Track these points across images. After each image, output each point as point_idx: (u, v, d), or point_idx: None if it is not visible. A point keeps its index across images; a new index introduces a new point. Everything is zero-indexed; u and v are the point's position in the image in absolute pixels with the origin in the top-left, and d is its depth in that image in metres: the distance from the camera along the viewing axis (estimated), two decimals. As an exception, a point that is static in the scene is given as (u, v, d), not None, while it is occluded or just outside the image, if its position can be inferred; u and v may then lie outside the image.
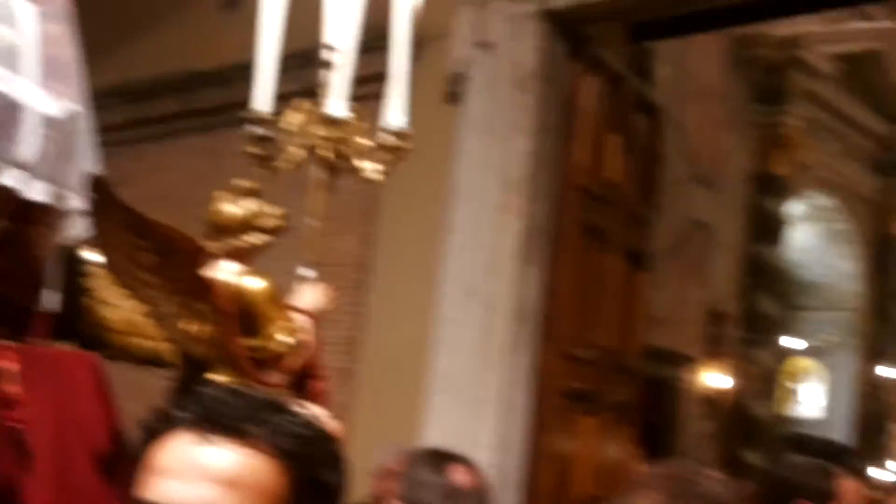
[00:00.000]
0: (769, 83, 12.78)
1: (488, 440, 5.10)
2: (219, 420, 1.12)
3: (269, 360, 2.88)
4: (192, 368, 2.78)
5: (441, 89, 5.57)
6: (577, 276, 5.57)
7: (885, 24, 14.04)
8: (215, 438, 1.11)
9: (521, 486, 5.21)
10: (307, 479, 1.13)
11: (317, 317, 3.09)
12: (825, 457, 2.65)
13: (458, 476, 2.51)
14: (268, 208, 3.00)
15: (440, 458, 2.59)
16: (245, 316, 2.85)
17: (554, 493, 5.35)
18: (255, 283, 2.89)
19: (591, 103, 5.69)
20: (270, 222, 2.99)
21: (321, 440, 1.18)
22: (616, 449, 5.91)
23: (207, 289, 2.73)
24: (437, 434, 5.14)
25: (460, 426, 5.13)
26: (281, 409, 1.16)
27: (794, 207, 13.60)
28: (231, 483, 1.09)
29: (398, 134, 3.15)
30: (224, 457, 1.11)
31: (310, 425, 1.17)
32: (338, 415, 2.74)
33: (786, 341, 13.77)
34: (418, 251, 5.59)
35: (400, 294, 5.61)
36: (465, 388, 5.21)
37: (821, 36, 12.98)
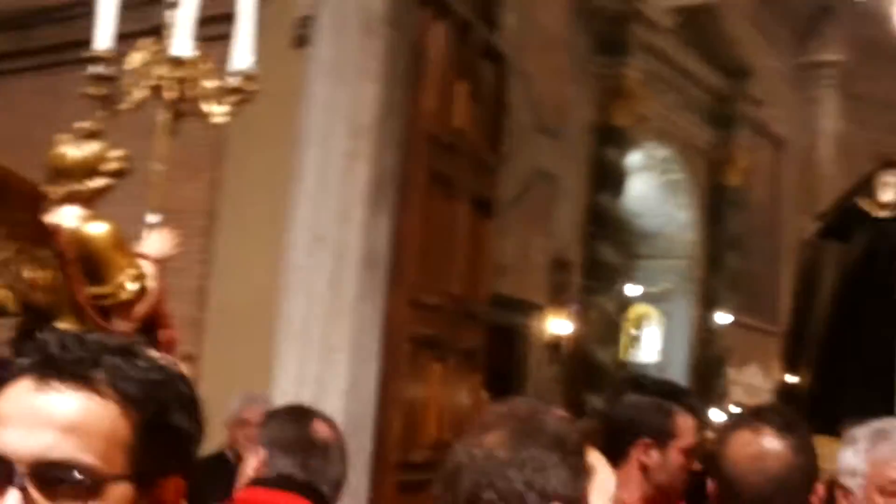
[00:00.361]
0: (611, 35, 13.03)
1: (339, 387, 5.11)
2: (59, 365, 1.09)
3: (114, 307, 2.81)
4: (33, 317, 2.69)
5: (289, 32, 5.48)
6: (425, 224, 5.59)
7: (721, -22, 14.50)
8: (55, 384, 1.08)
9: (371, 432, 5.24)
10: (155, 424, 1.11)
11: (162, 264, 3.03)
12: (662, 396, 2.73)
13: (322, 431, 2.50)
14: (111, 151, 2.92)
15: (302, 413, 2.58)
16: (88, 262, 2.77)
17: (404, 438, 5.40)
18: (98, 229, 2.81)
19: (439, 50, 5.70)
20: (113, 166, 2.90)
21: (170, 384, 1.15)
22: (464, 394, 6.00)
23: (49, 234, 2.64)
24: (287, 382, 5.12)
25: (311, 373, 5.12)
26: (126, 353, 1.13)
27: (634, 158, 13.98)
28: (71, 428, 1.07)
29: (245, 76, 3.09)
30: (64, 402, 1.08)
31: (157, 369, 1.14)
32: (187, 364, 2.70)
33: (626, 289, 14.21)
34: (266, 197, 5.51)
35: (248, 241, 5.53)
36: (316, 335, 5.19)
37: (661, -11, 13.32)
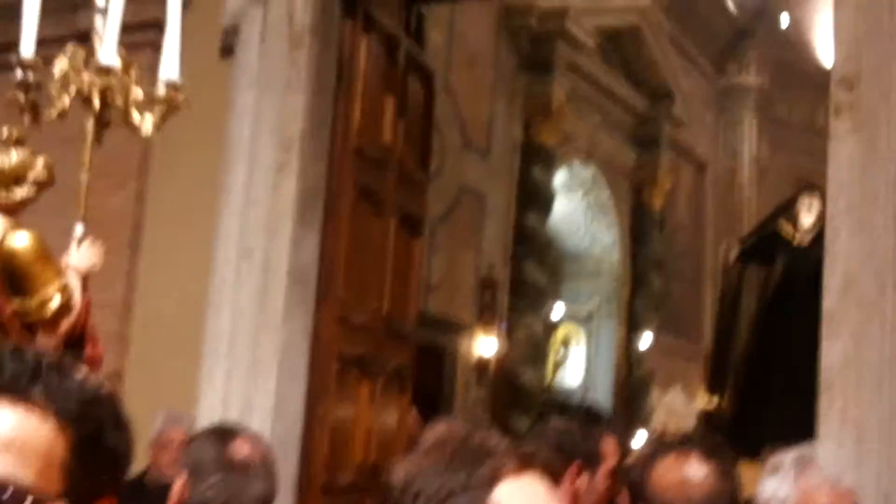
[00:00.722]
0: (536, 53, 13.11)
1: (265, 405, 5.02)
2: None
3: (39, 322, 2.72)
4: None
5: (214, 42, 5.40)
6: (353, 240, 5.53)
7: (645, 1, 14.71)
8: None
9: (297, 453, 5.15)
10: (91, 443, 1.08)
11: (87, 276, 2.94)
12: (588, 420, 2.79)
13: (243, 450, 2.45)
14: (36, 160, 2.83)
15: (223, 433, 2.52)
16: (12, 275, 2.67)
17: (330, 458, 5.31)
18: (22, 240, 2.71)
19: (367, 63, 5.66)
20: (39, 175, 2.81)
21: (103, 402, 1.12)
22: (392, 415, 5.93)
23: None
24: (213, 399, 5.02)
25: (237, 391, 5.02)
26: (60, 369, 1.09)
27: (560, 177, 14.08)
28: (7, 445, 1.03)
29: (171, 86, 3.02)
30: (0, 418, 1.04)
31: (91, 387, 1.11)
32: (111, 381, 2.62)
33: (553, 309, 14.26)
34: (193, 209, 5.41)
35: (174, 254, 5.42)
36: (242, 352, 5.09)
37: (585, 9, 13.45)
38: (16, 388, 1.05)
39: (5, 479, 1.01)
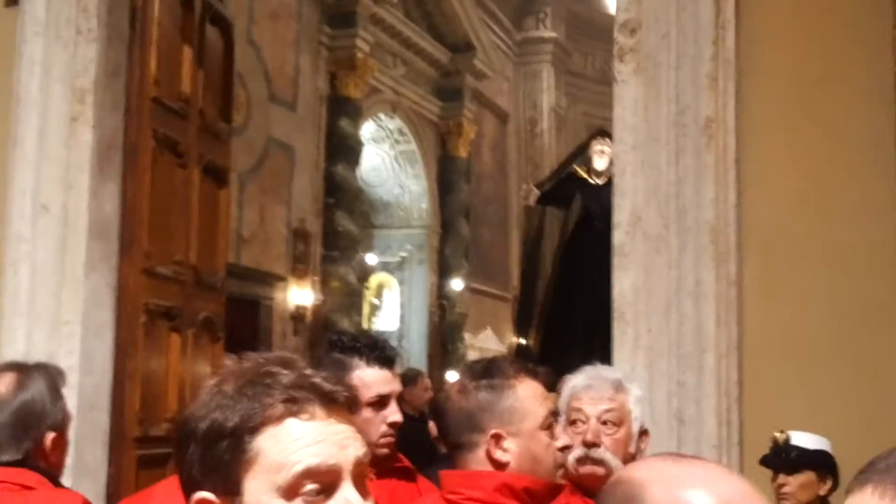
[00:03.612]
0: (338, 6, 13.10)
1: (73, 362, 4.89)
2: None
3: None
4: None
5: (-1, -11, 5.18)
6: (155, 192, 5.42)
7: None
8: None
9: (108, 407, 5.07)
10: None
11: None
12: (354, 351, 2.81)
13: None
14: None
15: None
16: None
17: (143, 411, 5.25)
18: None
19: (161, 11, 5.53)
20: None
21: None
22: (205, 365, 5.89)
23: None
24: (15, 357, 4.86)
25: (42, 348, 4.88)
26: None
27: (368, 129, 14.15)
28: None
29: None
30: None
31: None
32: None
33: (366, 258, 14.39)
34: (-18, 166, 5.19)
35: (-37, 212, 5.20)
36: (45, 308, 4.95)
37: (386, -38, 13.49)
38: None
39: None
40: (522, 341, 8.57)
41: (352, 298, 13.14)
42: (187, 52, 5.74)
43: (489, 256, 17.37)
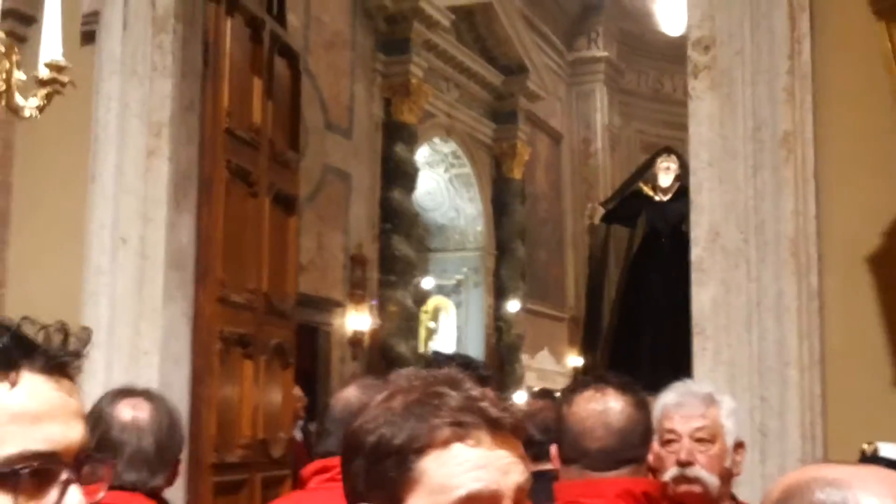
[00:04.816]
0: (392, 33, 13.24)
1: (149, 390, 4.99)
2: (63, 361, 1.15)
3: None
4: None
5: (75, 29, 5.30)
6: (229, 221, 5.52)
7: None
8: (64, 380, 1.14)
9: (186, 434, 5.13)
10: None
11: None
12: (461, 367, 2.86)
13: (124, 412, 2.49)
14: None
15: (119, 394, 2.56)
16: None
17: (219, 437, 5.32)
18: None
19: (233, 46, 5.65)
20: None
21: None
22: (277, 392, 5.96)
23: None
24: (96, 388, 4.95)
25: (122, 379, 4.96)
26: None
27: (422, 153, 14.24)
28: (78, 413, 1.14)
29: (55, 67, 3.00)
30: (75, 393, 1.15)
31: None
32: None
33: (422, 282, 14.46)
34: (62, 200, 5.31)
35: (45, 245, 5.32)
36: (124, 339, 5.05)
37: (437, -12, 13.62)
38: (74, 366, 1.15)
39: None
40: (587, 360, 8.56)
41: (409, 322, 13.19)
42: (257, 84, 5.85)
43: (545, 277, 17.35)
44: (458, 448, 1.23)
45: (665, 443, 2.62)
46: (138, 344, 5.08)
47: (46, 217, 5.37)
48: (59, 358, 1.12)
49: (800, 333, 3.73)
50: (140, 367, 5.07)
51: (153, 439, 2.48)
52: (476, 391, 1.28)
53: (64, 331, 1.15)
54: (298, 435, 7.78)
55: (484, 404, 1.25)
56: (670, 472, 2.54)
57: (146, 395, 2.64)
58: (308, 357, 10.90)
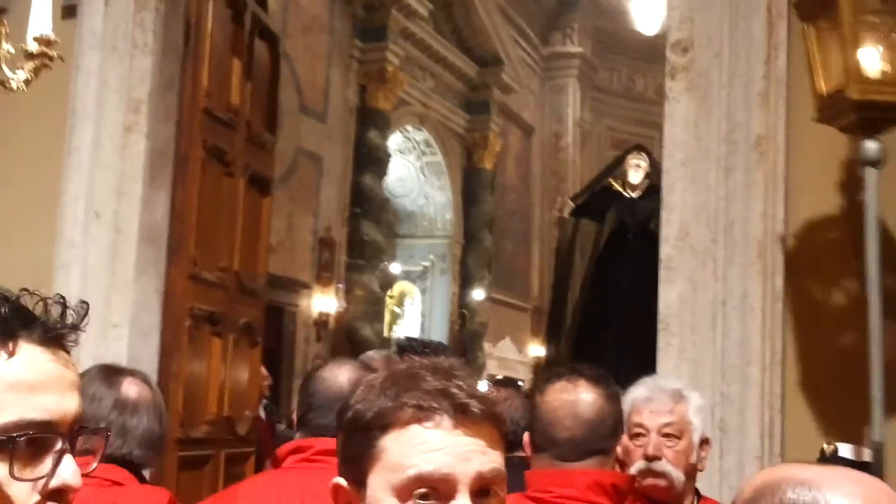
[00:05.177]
0: (370, 20, 13.26)
1: (119, 364, 5.01)
2: (61, 333, 1.17)
3: None
4: None
5: (57, 2, 5.29)
6: (203, 200, 5.54)
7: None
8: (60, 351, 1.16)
9: (154, 410, 5.16)
10: None
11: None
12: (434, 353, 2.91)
13: (130, 389, 2.53)
14: None
15: (111, 372, 2.59)
16: None
17: (185, 413, 5.36)
18: None
19: (214, 26, 5.66)
20: None
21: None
22: (244, 370, 6.00)
23: None
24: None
25: (91, 350, 4.98)
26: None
27: (395, 140, 14.28)
28: (73, 384, 1.15)
29: (45, 41, 3.02)
30: (71, 365, 1.16)
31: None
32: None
33: (389, 267, 14.51)
34: (38, 172, 5.31)
35: (19, 217, 5.32)
36: (95, 311, 5.04)
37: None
38: (70, 339, 1.17)
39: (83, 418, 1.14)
40: (550, 350, 8.63)
41: (374, 306, 13.26)
42: (237, 66, 5.87)
43: (510, 267, 17.45)
44: (416, 429, 1.26)
45: (633, 436, 2.67)
46: (108, 317, 5.10)
47: (21, 188, 5.37)
48: (57, 330, 1.14)
49: (763, 333, 3.82)
50: (109, 339, 5.09)
51: (157, 418, 2.52)
52: (459, 380, 1.30)
53: (63, 304, 1.17)
54: (262, 414, 7.82)
55: (455, 391, 1.27)
56: (637, 466, 2.61)
57: (139, 374, 2.68)
58: (273, 337, 10.93)
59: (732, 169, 3.80)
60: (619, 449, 2.24)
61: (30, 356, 1.11)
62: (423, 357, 2.73)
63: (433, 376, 1.29)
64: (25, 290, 1.18)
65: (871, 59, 3.18)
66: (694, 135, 3.87)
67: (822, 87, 3.30)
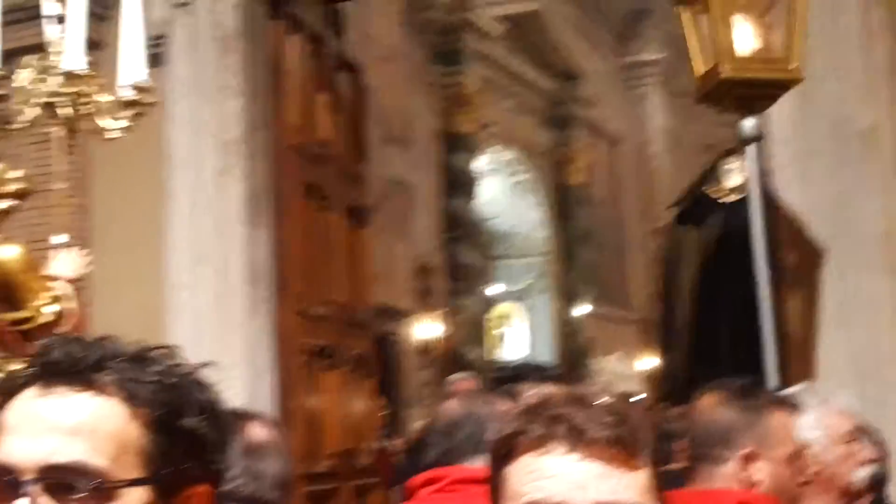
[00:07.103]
0: (444, 45, 13.29)
1: (236, 404, 5.02)
2: (63, 369, 1.07)
3: (34, 331, 2.73)
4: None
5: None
6: (304, 235, 5.58)
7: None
8: (59, 389, 1.06)
9: (272, 447, 5.18)
10: (167, 425, 1.08)
11: (77, 283, 2.96)
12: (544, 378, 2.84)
13: (255, 432, 2.51)
14: (9, 172, 2.84)
15: (237, 417, 2.57)
16: (2, 288, 2.68)
17: (306, 449, 5.36)
18: (8, 252, 2.72)
19: (296, 63, 5.70)
20: (14, 187, 2.82)
21: (183, 388, 1.13)
22: (360, 401, 6.00)
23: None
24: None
25: (208, 394, 5.03)
26: (137, 358, 1.11)
27: (482, 162, 14.26)
28: (77, 430, 1.04)
29: (141, 88, 3.05)
30: (67, 405, 1.05)
31: (170, 374, 1.12)
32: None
33: (489, 289, 14.46)
34: (138, 220, 5.39)
35: (124, 265, 5.37)
36: (207, 354, 5.08)
37: (485, -1, 13.66)
38: (84, 376, 1.06)
39: (76, 465, 1.02)
40: (665, 362, 8.45)
41: (476, 329, 13.22)
42: (322, 99, 5.90)
43: (609, 280, 17.27)
44: (529, 457, 1.22)
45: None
46: (221, 359, 5.11)
47: (125, 237, 5.44)
48: (55, 369, 1.07)
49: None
50: (225, 381, 5.11)
51: (285, 459, 2.51)
52: (580, 404, 1.24)
53: (83, 343, 1.09)
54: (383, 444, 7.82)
55: (573, 415, 1.22)
56: None
57: (264, 417, 2.66)
58: (380, 365, 10.93)
59: (843, 164, 3.66)
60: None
61: (24, 398, 1.06)
62: (540, 382, 2.68)
63: (558, 403, 1.24)
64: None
65: (744, 37, 3.19)
66: (800, 133, 3.75)
67: (700, 68, 3.26)
